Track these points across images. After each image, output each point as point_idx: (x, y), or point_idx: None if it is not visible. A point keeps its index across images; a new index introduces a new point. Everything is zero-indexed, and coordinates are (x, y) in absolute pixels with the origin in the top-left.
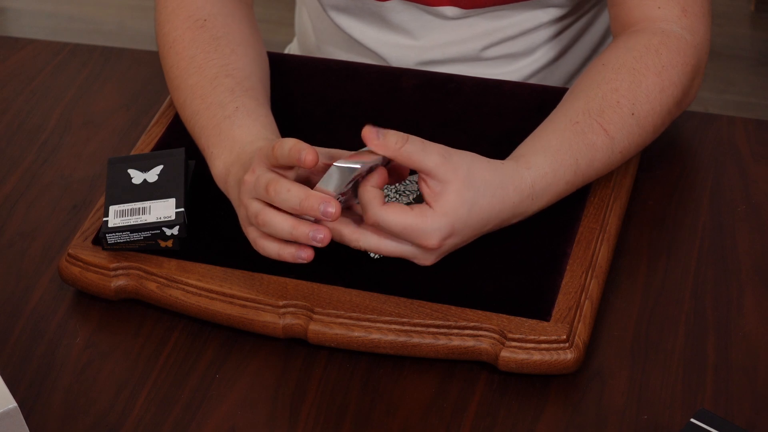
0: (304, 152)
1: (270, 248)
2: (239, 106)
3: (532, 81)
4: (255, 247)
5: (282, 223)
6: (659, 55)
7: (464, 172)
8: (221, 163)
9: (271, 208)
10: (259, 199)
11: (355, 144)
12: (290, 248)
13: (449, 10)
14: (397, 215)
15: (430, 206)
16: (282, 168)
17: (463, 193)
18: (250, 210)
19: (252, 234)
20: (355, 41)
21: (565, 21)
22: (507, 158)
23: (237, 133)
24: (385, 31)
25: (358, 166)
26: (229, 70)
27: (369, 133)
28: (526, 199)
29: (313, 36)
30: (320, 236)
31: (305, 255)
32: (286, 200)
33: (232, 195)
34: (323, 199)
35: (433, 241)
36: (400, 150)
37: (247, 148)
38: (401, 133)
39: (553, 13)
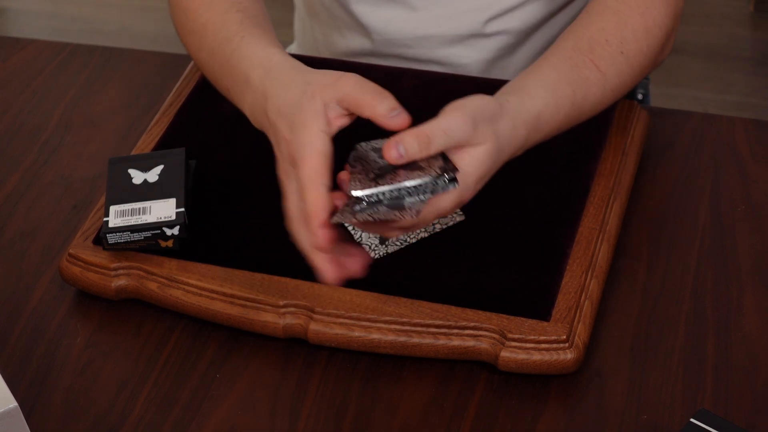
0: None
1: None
2: (244, 35)
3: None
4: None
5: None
6: None
7: (493, 138)
8: (246, 107)
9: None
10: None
11: (353, 143)
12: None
13: None
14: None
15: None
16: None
17: (491, 153)
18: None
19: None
20: (353, 18)
21: None
22: (506, 91)
23: (244, 66)
24: (383, 3)
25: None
26: (240, 7)
27: (390, 154)
28: (532, 131)
29: (308, 21)
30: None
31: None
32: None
33: (268, 132)
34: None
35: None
36: (429, 149)
37: (253, 78)
38: (417, 133)
39: None
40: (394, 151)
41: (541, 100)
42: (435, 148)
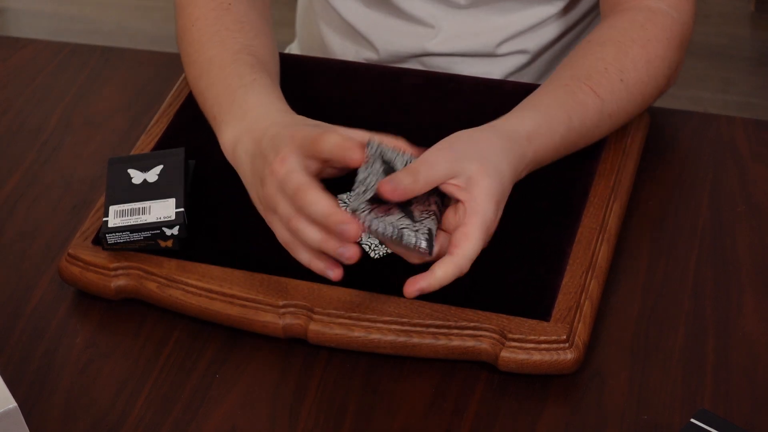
0: (350, 152)
1: (303, 256)
2: (257, 78)
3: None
4: (285, 246)
5: (312, 235)
6: (644, 29)
7: (478, 164)
8: (230, 132)
9: (302, 217)
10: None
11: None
12: (320, 263)
13: None
14: (470, 248)
15: (469, 204)
16: (319, 161)
17: (492, 183)
18: (280, 209)
19: (282, 235)
20: (360, 36)
21: (572, 14)
22: (499, 119)
23: (251, 101)
24: (398, 21)
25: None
26: (252, 50)
27: (386, 191)
28: (528, 150)
29: (321, 29)
30: (348, 254)
31: (333, 275)
32: (311, 213)
33: (240, 168)
34: (344, 220)
35: (491, 226)
36: (419, 184)
37: (260, 121)
38: (409, 169)
39: (558, 5)
40: (388, 185)
41: (531, 120)
42: (423, 180)
